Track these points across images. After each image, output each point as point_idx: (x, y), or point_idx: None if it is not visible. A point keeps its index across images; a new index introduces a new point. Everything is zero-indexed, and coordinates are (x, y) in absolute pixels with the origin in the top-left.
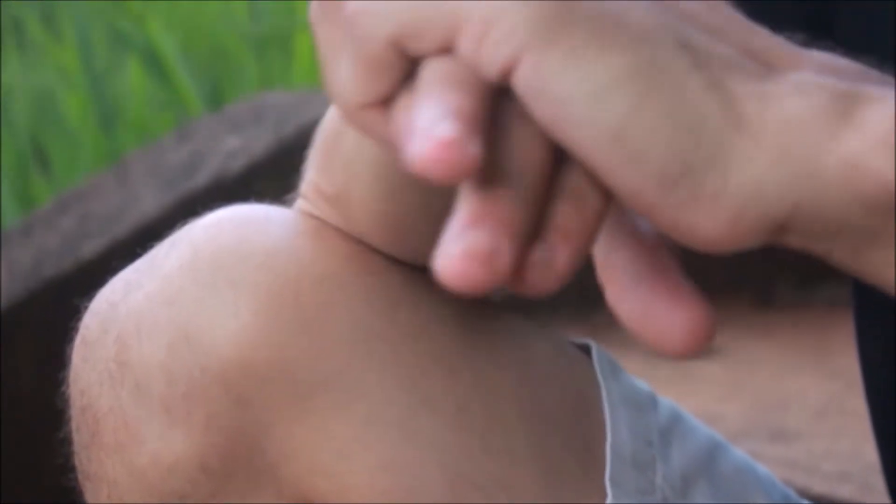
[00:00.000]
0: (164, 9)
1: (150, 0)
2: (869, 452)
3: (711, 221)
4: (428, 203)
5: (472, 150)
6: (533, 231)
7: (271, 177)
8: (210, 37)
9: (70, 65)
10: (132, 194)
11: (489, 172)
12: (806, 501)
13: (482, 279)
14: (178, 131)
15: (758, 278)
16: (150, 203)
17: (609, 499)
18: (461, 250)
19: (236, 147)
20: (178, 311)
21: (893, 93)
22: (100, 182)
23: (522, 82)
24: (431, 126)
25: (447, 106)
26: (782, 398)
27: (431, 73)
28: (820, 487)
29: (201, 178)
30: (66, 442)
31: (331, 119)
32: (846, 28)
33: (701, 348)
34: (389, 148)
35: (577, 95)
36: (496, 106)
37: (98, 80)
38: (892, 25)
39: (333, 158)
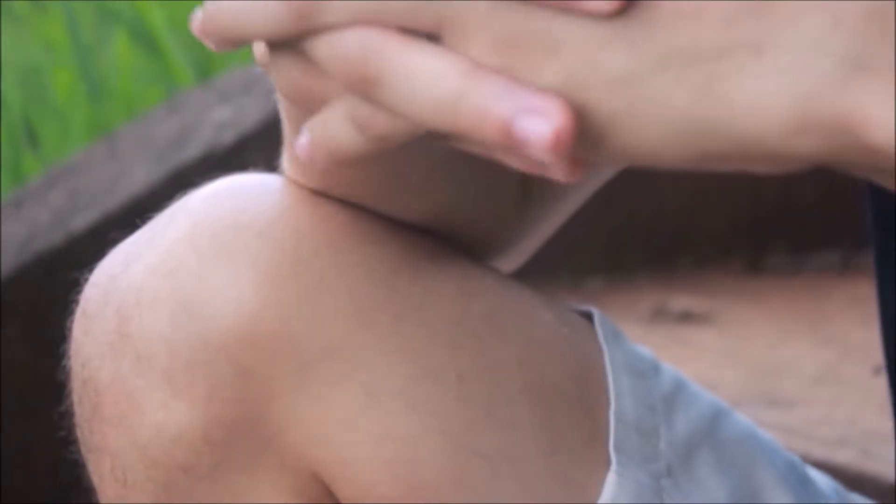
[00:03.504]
0: None
1: None
2: (867, 419)
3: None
4: (412, 158)
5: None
6: None
7: (262, 147)
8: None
9: (58, 39)
10: (123, 167)
11: None
12: (810, 466)
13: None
14: (168, 103)
15: (749, 245)
16: (140, 176)
17: (613, 466)
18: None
19: (226, 118)
20: (178, 282)
21: None
22: (90, 156)
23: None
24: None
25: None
26: (778, 365)
27: None
28: (819, 453)
29: (192, 150)
30: (68, 415)
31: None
32: None
33: None
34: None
35: None
36: None
37: (85, 55)
38: None
39: None
